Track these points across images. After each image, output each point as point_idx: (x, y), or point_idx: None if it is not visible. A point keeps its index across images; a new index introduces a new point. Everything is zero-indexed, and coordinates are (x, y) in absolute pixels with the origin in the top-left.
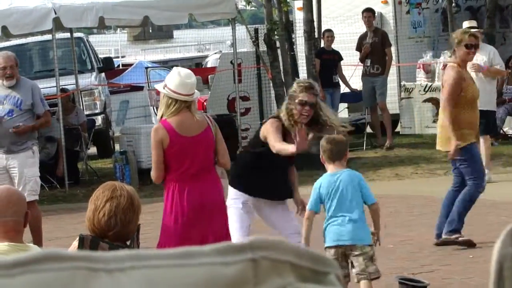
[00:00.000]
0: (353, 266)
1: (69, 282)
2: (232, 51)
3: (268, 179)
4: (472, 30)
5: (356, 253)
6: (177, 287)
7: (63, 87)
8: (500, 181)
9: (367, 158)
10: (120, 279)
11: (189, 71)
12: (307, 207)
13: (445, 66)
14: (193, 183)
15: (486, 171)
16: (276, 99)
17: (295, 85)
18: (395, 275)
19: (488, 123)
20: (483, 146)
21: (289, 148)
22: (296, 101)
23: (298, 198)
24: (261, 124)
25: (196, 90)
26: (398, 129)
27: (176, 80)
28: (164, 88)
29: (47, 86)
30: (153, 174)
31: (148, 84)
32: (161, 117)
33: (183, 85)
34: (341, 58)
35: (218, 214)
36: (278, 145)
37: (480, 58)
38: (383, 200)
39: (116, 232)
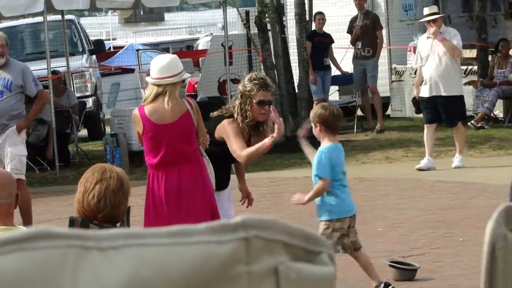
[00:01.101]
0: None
1: (61, 260)
2: (223, 33)
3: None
4: (432, 17)
5: (353, 223)
6: (170, 265)
7: (54, 69)
8: (490, 164)
9: (358, 141)
10: (113, 257)
11: (165, 55)
12: (324, 176)
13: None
14: (171, 168)
15: (459, 157)
16: None
17: (249, 83)
18: (386, 258)
19: (456, 110)
20: (455, 133)
21: (263, 146)
22: (254, 101)
23: (244, 188)
24: (210, 119)
25: (181, 70)
26: (388, 112)
27: (154, 68)
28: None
29: (38, 68)
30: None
31: (139, 67)
32: (143, 105)
33: (161, 69)
34: (332, 41)
35: (198, 199)
36: (245, 153)
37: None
38: (374, 183)
39: (106, 214)
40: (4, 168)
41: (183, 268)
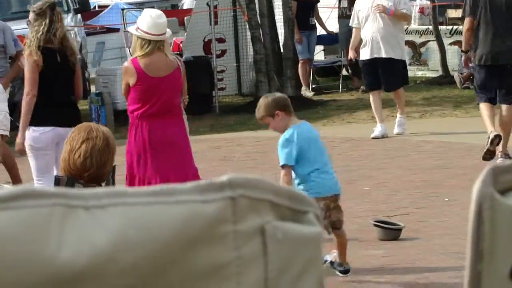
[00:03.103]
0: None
1: (47, 219)
2: None
3: None
4: None
5: (337, 203)
6: (156, 224)
7: None
8: (476, 124)
9: (343, 101)
10: (98, 216)
11: (159, 11)
12: (285, 163)
13: (421, 9)
14: (156, 120)
15: (402, 118)
16: (252, 41)
17: None
18: (371, 218)
19: (396, 74)
20: (394, 97)
21: None
22: None
23: None
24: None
25: (168, 29)
26: None
27: (148, 21)
28: (137, 30)
29: (23, 27)
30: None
31: (124, 26)
32: (136, 58)
33: (155, 26)
34: (317, 0)
35: (180, 152)
36: None
37: (385, 2)
38: (359, 142)
39: (92, 173)
40: None
41: (169, 227)
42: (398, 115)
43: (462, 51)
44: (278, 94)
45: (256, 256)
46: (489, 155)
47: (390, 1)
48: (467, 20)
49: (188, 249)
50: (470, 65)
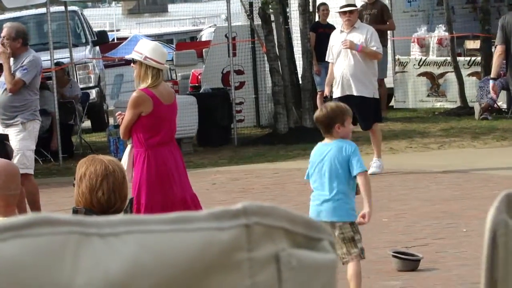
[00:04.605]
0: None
1: (61, 247)
2: (227, 24)
3: None
4: (348, 8)
5: (336, 232)
6: (171, 251)
7: (58, 60)
8: (494, 155)
9: (361, 132)
10: (113, 244)
11: (149, 41)
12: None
13: (440, 40)
14: (164, 148)
15: (378, 162)
16: (270, 73)
17: None
18: (389, 249)
19: (369, 112)
20: (371, 136)
21: None
22: None
23: None
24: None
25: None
26: (392, 103)
27: (156, 50)
28: (145, 60)
29: (41, 60)
30: (122, 131)
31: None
32: (146, 87)
33: (162, 55)
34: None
35: (186, 176)
36: None
37: (356, 38)
38: (378, 174)
39: (117, 208)
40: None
41: (184, 255)
42: (374, 158)
43: (491, 78)
44: (323, 109)
45: (271, 284)
46: None
47: (362, 38)
48: (498, 47)
49: (204, 276)
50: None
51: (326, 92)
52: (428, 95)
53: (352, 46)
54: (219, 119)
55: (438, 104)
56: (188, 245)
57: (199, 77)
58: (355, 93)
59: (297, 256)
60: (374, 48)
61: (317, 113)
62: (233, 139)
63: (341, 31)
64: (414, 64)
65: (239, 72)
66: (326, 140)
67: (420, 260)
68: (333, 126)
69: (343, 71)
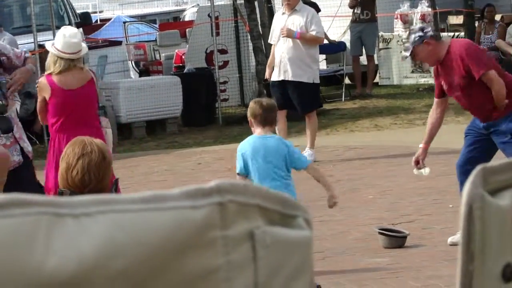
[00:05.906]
0: None
1: (34, 228)
2: (210, 4)
3: None
4: None
5: None
6: (144, 230)
7: (41, 43)
8: None
9: (346, 109)
10: (86, 224)
11: (75, 30)
12: (237, 171)
13: (423, 16)
14: (72, 133)
15: (309, 151)
16: (254, 52)
17: None
18: (375, 226)
19: (306, 98)
20: (306, 123)
21: None
22: None
23: None
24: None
25: (84, 45)
26: (376, 79)
27: (62, 40)
28: (52, 47)
29: (25, 42)
30: (40, 118)
31: (126, 39)
32: (50, 74)
33: (68, 45)
34: (318, 10)
35: None
36: None
37: (297, 21)
38: (363, 151)
39: (92, 188)
40: None
41: (157, 234)
42: (307, 148)
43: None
44: (262, 102)
45: (246, 261)
46: None
47: (302, 21)
48: None
49: (177, 255)
50: None
51: (267, 75)
52: (412, 71)
53: (289, 35)
54: (204, 99)
55: (422, 80)
56: (161, 224)
57: (183, 57)
58: (291, 78)
59: (272, 234)
60: (314, 33)
61: (269, 102)
62: (218, 119)
63: (283, 13)
64: (398, 41)
65: (223, 52)
66: (262, 132)
67: (407, 236)
68: (275, 119)
69: (281, 54)
